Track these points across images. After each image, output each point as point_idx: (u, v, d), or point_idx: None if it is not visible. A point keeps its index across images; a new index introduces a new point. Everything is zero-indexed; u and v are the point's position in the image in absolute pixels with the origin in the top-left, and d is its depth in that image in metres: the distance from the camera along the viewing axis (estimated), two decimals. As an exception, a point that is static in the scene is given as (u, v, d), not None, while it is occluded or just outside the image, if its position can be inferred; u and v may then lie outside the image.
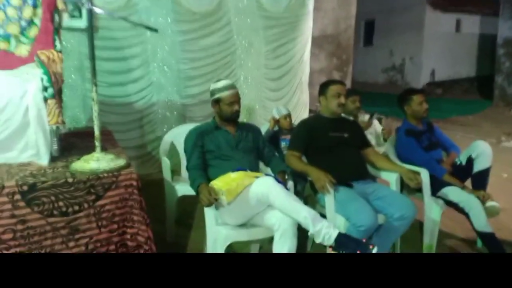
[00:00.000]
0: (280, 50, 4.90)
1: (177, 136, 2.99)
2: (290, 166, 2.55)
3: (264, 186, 2.08)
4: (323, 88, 2.70)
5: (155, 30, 2.47)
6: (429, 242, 2.71)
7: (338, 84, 2.68)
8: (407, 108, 3.00)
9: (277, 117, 3.45)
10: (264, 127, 3.57)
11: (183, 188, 2.74)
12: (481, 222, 2.48)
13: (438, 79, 13.09)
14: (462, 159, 2.89)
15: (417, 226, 2.94)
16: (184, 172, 2.78)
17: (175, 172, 2.95)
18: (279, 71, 4.96)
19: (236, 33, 4.51)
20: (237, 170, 2.24)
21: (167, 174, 2.80)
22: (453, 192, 2.61)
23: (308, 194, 2.87)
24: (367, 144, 2.77)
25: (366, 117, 3.78)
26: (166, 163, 2.80)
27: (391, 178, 2.66)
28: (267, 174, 2.28)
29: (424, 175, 2.63)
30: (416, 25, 12.81)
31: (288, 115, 3.47)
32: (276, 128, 3.45)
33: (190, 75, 4.27)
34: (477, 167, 2.77)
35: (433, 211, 2.66)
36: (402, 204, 2.32)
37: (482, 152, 2.78)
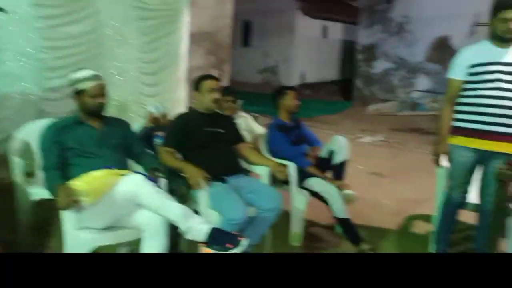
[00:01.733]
0: (156, 44, 4.72)
1: (31, 133, 2.63)
2: (163, 162, 2.48)
3: (131, 184, 1.98)
4: (197, 83, 2.69)
5: (3, 10, 2.16)
6: (296, 230, 2.90)
7: (212, 79, 2.69)
8: (281, 103, 3.17)
9: (155, 113, 3.33)
10: (137, 124, 3.42)
11: (39, 192, 2.43)
12: (338, 209, 2.76)
13: (308, 81, 14.15)
14: (324, 152, 3.16)
15: (286, 216, 3.13)
16: (41, 174, 2.49)
17: (31, 174, 2.62)
18: (155, 66, 4.78)
19: (106, 23, 4.21)
20: (102, 168, 2.08)
21: (18, 177, 2.47)
22: (316, 183, 2.85)
23: (183, 192, 2.83)
24: (240, 139, 2.84)
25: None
26: (17, 164, 2.46)
27: (262, 171, 2.78)
28: (136, 172, 2.17)
29: (291, 168, 2.80)
30: (288, 29, 13.65)
31: (166, 113, 3.38)
32: (151, 125, 3.33)
33: (52, 65, 3.85)
34: (336, 159, 3.06)
35: (299, 201, 2.86)
36: (271, 196, 2.44)
37: (340, 146, 3.08)
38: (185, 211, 2.00)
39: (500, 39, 2.34)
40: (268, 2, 14.07)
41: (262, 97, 10.42)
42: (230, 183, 2.50)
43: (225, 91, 3.07)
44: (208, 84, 2.64)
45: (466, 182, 2.52)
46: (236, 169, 2.66)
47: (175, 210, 1.97)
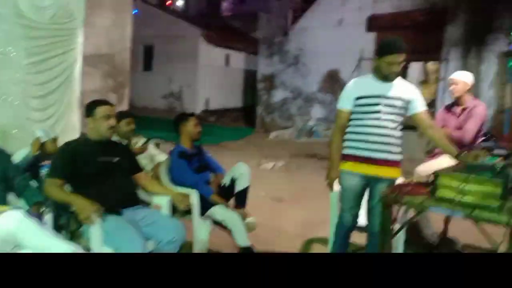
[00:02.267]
0: (45, 65, 4.35)
1: None
2: (49, 196, 2.24)
3: (9, 222, 1.74)
4: (90, 109, 2.51)
5: None
6: (199, 262, 2.82)
7: (107, 105, 2.54)
8: (182, 129, 3.11)
9: (43, 139, 3.02)
10: (22, 153, 3.07)
11: None
12: (241, 237, 2.75)
13: (212, 107, 14.27)
14: (226, 180, 3.15)
15: (189, 247, 3.03)
16: None
17: None
18: (43, 88, 4.39)
19: (-15, 40, 3.79)
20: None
21: None
22: (218, 211, 2.82)
23: (73, 227, 2.58)
24: (138, 168, 2.70)
25: (142, 141, 3.73)
26: None
27: (162, 201, 2.66)
28: (16, 207, 1.93)
29: (193, 197, 2.74)
30: (191, 55, 13.71)
31: (56, 139, 3.09)
32: (38, 152, 3.01)
33: None
34: (238, 186, 3.08)
35: (201, 231, 2.79)
36: (171, 227, 2.34)
37: (242, 173, 3.11)
38: (74, 250, 1.81)
39: (383, 77, 2.54)
40: (170, 28, 14.04)
41: (166, 123, 10.25)
42: (127, 215, 2.35)
43: (121, 115, 2.92)
44: (102, 110, 2.48)
45: (356, 205, 2.70)
46: (133, 201, 2.51)
47: (62, 249, 1.78)
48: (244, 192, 3.09)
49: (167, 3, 19.71)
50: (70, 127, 4.76)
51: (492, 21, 8.42)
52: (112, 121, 2.50)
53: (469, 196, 2.14)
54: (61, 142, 3.16)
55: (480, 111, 3.34)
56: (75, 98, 4.88)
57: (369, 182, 2.63)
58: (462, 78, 3.38)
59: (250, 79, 14.68)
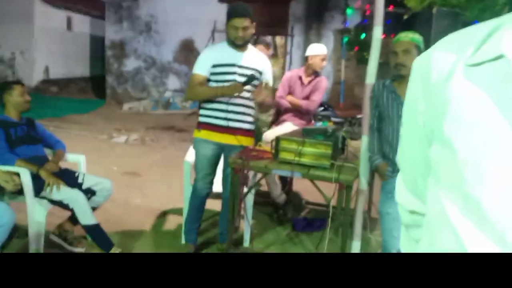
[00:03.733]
0: None
1: None
2: None
3: None
4: None
5: None
6: (36, 247, 2.51)
7: None
8: (6, 100, 2.68)
9: None
10: None
11: None
12: (85, 216, 2.52)
13: (53, 77, 12.74)
14: (86, 182, 2.77)
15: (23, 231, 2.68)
16: None
17: None
18: None
19: None
20: None
21: None
22: (56, 191, 2.52)
23: None
24: None
25: None
26: None
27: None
28: None
29: (24, 175, 2.40)
30: (25, 17, 11.89)
31: None
32: None
33: None
34: (93, 201, 2.75)
35: (37, 213, 2.48)
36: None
37: (103, 188, 2.79)
38: None
39: (232, 43, 2.56)
40: (-4, -18, 11.90)
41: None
42: None
43: None
44: None
45: (210, 172, 2.73)
46: None
47: None
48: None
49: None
50: None
51: (329, 0, 9.30)
52: None
53: (306, 158, 2.34)
54: None
55: (324, 84, 3.69)
56: None
57: (224, 150, 2.68)
58: (325, 51, 3.66)
59: (97, 46, 13.50)
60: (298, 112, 3.65)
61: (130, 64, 11.00)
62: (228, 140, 2.63)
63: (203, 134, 2.66)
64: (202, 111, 2.70)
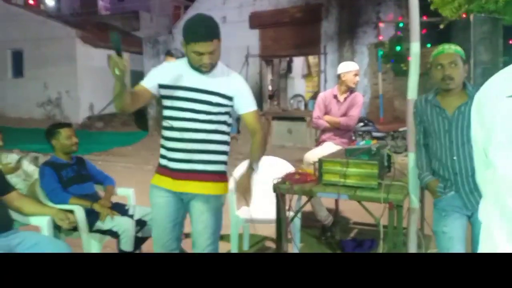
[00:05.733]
0: None
1: None
2: None
3: None
4: None
5: None
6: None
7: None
8: (55, 144, 2.82)
9: None
10: None
11: None
12: (127, 244, 2.59)
13: (98, 112, 13.37)
14: (137, 213, 2.87)
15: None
16: None
17: None
18: None
19: None
20: None
21: None
22: (108, 220, 2.61)
23: None
24: (6, 189, 2.37)
25: (14, 158, 3.27)
26: None
27: (41, 222, 2.39)
28: None
29: (78, 212, 2.50)
30: (68, 58, 12.66)
31: None
32: None
33: None
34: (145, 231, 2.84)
35: (92, 246, 2.57)
36: (53, 249, 2.10)
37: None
38: None
39: (196, 69, 1.96)
40: (41, 29, 12.80)
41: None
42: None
43: None
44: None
45: (172, 228, 2.09)
46: (4, 226, 2.20)
47: None
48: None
49: (30, 2, 17.88)
50: None
51: (360, 16, 9.27)
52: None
53: (351, 179, 2.30)
54: None
55: (360, 99, 3.66)
56: None
57: (183, 200, 2.05)
58: (357, 67, 3.65)
59: (137, 80, 13.97)
60: (338, 131, 3.61)
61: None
62: (184, 187, 1.99)
63: (155, 179, 2.07)
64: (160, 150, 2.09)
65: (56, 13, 16.93)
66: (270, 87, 11.42)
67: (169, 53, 3.50)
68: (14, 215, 2.35)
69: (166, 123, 2.02)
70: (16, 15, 13.12)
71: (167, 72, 2.01)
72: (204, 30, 1.86)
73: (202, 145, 1.98)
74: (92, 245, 2.58)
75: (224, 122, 2.04)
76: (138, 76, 14.95)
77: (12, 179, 2.86)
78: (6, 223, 2.22)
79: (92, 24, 14.87)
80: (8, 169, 2.97)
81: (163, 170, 2.03)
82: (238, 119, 10.29)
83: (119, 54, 1.74)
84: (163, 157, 2.04)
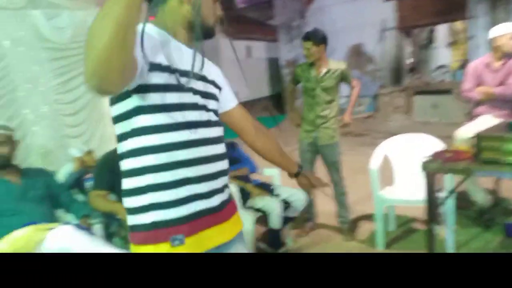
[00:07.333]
0: (72, 83, 4.51)
1: None
2: (95, 207, 2.32)
3: (62, 238, 1.82)
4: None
5: None
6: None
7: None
8: None
9: (78, 155, 3.14)
10: (65, 170, 3.21)
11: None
12: (275, 222, 2.85)
13: (241, 100, 14.31)
14: (282, 194, 3.07)
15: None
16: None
17: None
18: (74, 106, 4.56)
19: (15, 68, 3.96)
20: (26, 225, 1.90)
21: None
22: (259, 199, 2.87)
23: (123, 234, 2.66)
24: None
25: None
26: None
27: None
28: (66, 223, 2.01)
29: (234, 189, 2.76)
30: (214, 51, 13.77)
31: (90, 152, 3.19)
32: (80, 168, 3.14)
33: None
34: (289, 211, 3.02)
35: (246, 221, 2.82)
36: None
37: (297, 200, 3.00)
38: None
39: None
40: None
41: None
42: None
43: None
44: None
45: None
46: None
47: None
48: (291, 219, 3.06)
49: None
50: (106, 139, 4.92)
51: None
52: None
53: (516, 155, 2.03)
54: (99, 154, 3.28)
55: None
56: (106, 110, 5.02)
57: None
58: None
59: (273, 67, 14.61)
60: (496, 102, 3.20)
61: (304, 78, 11.53)
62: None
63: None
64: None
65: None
66: (410, 60, 10.64)
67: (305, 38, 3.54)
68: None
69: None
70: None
71: (159, 45, 1.22)
72: None
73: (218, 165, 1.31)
74: (246, 219, 2.83)
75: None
76: (274, 62, 15.50)
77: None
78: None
79: (232, 17, 15.85)
80: None
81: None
82: (375, 96, 9.90)
83: None
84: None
